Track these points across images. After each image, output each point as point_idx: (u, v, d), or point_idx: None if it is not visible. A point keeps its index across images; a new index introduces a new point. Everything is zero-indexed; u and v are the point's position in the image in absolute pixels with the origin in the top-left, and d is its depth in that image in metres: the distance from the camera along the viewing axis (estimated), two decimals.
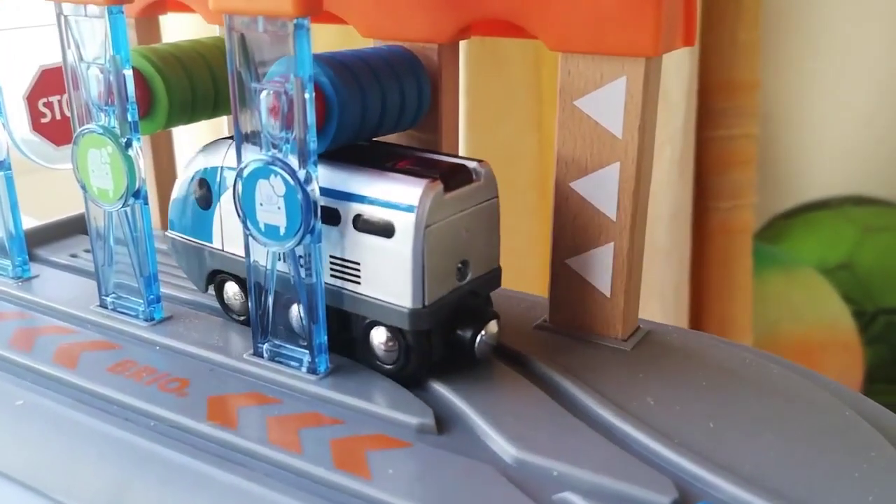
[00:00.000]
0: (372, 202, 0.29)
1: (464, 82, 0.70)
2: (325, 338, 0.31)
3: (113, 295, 0.36)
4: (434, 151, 0.32)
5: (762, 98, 1.10)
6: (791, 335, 1.02)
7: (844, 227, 1.22)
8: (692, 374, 0.31)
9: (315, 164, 0.28)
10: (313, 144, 0.28)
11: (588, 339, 0.34)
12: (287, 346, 0.31)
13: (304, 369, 0.31)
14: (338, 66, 0.30)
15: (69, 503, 0.27)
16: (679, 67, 0.74)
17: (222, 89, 0.36)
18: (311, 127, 0.28)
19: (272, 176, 0.29)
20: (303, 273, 0.30)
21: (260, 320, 0.31)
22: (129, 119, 0.32)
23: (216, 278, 0.35)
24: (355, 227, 0.29)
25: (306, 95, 0.27)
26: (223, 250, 0.33)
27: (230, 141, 0.32)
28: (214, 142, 0.33)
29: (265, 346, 0.32)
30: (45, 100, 0.39)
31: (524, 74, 0.70)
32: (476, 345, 0.30)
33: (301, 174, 0.28)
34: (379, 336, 0.30)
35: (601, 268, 0.33)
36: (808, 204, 1.25)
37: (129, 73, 0.31)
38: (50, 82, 0.39)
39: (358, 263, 0.30)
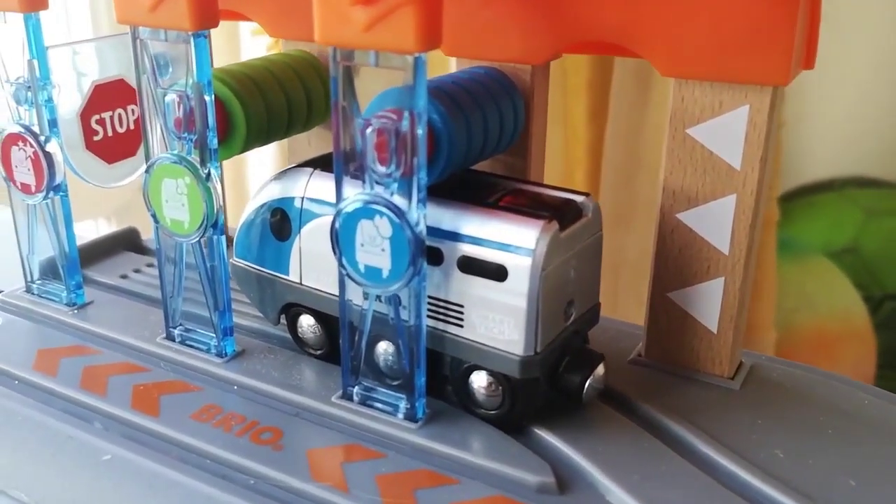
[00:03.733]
0: (481, 243, 0.27)
1: None
2: (424, 381, 0.29)
3: (181, 327, 0.34)
4: (530, 182, 0.30)
5: None
6: (807, 326, 1.01)
7: (848, 211, 1.20)
8: (813, 419, 0.29)
9: (424, 203, 0.26)
10: (423, 182, 0.26)
11: (690, 377, 0.32)
12: (379, 388, 0.30)
13: (400, 415, 0.29)
14: (443, 97, 0.28)
15: None
16: None
17: (294, 109, 0.34)
18: (421, 164, 0.26)
19: (377, 217, 0.26)
20: (404, 315, 0.28)
21: (351, 361, 0.30)
22: (210, 146, 0.30)
23: (290, 310, 0.33)
24: (460, 268, 0.27)
25: (419, 131, 0.25)
26: (301, 283, 0.31)
27: (311, 170, 0.31)
28: (290, 169, 0.31)
29: (356, 390, 0.30)
30: (97, 116, 0.37)
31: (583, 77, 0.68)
32: (584, 390, 0.28)
33: (411, 216, 0.26)
34: (480, 381, 0.29)
35: (708, 302, 0.31)
36: (810, 185, 1.24)
37: (211, 99, 0.29)
38: (102, 98, 0.37)
39: (462, 306, 0.28)
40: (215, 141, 0.30)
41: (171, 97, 0.29)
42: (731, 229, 0.30)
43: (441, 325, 0.28)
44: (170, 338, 0.34)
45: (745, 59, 0.27)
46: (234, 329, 0.34)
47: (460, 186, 0.29)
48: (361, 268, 0.27)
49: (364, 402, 0.30)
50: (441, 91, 0.28)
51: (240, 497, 0.26)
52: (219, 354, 0.33)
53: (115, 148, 0.38)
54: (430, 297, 0.28)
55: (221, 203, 0.31)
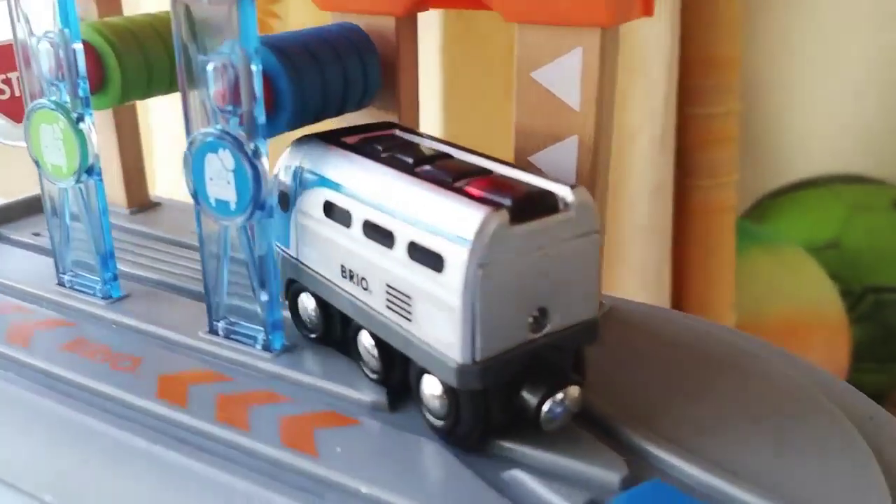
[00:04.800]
0: (425, 227, 0.24)
1: (440, 57, 0.69)
2: (280, 315, 0.31)
3: (70, 273, 0.35)
4: (522, 168, 0.26)
5: (749, 76, 1.10)
6: (776, 315, 1.02)
7: (832, 206, 1.22)
8: (647, 350, 0.31)
9: (264, 136, 0.28)
10: (262, 118, 0.28)
11: None
12: (242, 323, 0.31)
13: (258, 346, 0.31)
14: (281, 48, 0.29)
15: (15, 483, 0.27)
16: (659, 44, 0.73)
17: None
18: (258, 100, 0.27)
19: (221, 150, 0.28)
20: (253, 247, 0.29)
21: (212, 296, 0.31)
22: (81, 94, 0.31)
23: (291, 287, 0.31)
24: (409, 254, 0.25)
25: (253, 67, 0.27)
26: (297, 258, 0.30)
27: (315, 138, 0.30)
28: (301, 138, 0.30)
29: (220, 325, 0.31)
30: (2, 76, 0.39)
31: (504, 49, 0.70)
32: (542, 414, 0.24)
33: (250, 148, 0.28)
34: (430, 387, 0.26)
35: None
36: (796, 183, 1.25)
37: (79, 47, 0.31)
38: (5, 58, 0.38)
39: (410, 298, 0.25)
40: (87, 88, 0.32)
41: (45, 45, 0.31)
42: (576, 171, 0.31)
43: (395, 318, 0.26)
44: (61, 283, 0.36)
45: (573, 2, 0.29)
46: (135, 279, 0.36)
47: (446, 166, 0.26)
48: (212, 201, 0.29)
49: (228, 335, 0.31)
50: (278, 43, 0.29)
51: (92, 416, 0.28)
52: (104, 298, 0.34)
53: (21, 107, 0.39)
54: (386, 284, 0.26)
55: (96, 149, 0.32)
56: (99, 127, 0.41)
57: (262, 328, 0.30)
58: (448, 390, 0.25)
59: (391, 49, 0.34)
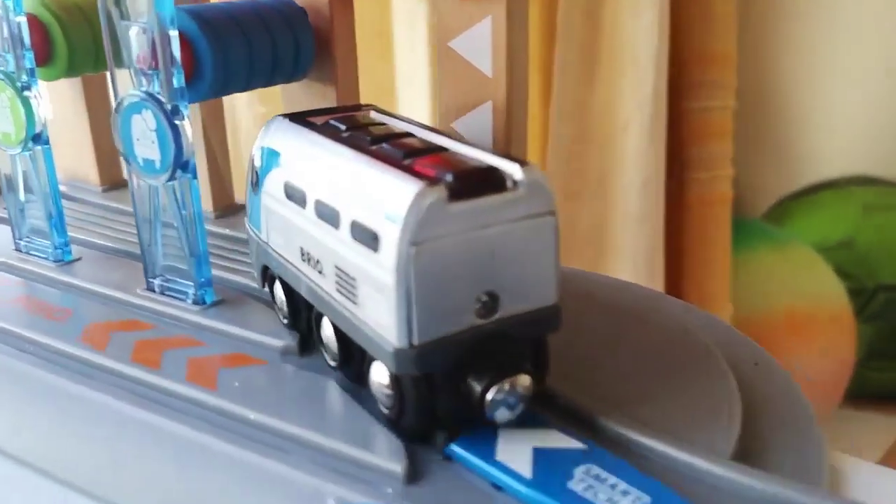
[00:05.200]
0: (366, 203, 0.23)
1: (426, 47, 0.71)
2: (209, 272, 0.32)
3: (27, 239, 0.37)
4: (477, 146, 0.25)
5: (771, 81, 1.11)
6: (781, 310, 1.02)
7: (847, 206, 1.21)
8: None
9: (186, 101, 0.30)
10: (180, 81, 0.29)
11: None
12: (177, 280, 0.33)
13: (189, 301, 0.32)
14: (205, 18, 0.31)
15: None
16: (648, 38, 0.74)
17: None
18: (177, 64, 0.29)
19: (144, 111, 0.30)
20: (181, 207, 0.31)
21: (147, 254, 0.33)
22: (27, 66, 0.33)
23: (267, 274, 0.31)
24: (352, 234, 0.24)
25: (170, 32, 0.29)
26: (267, 243, 0.29)
27: (280, 118, 0.29)
28: (274, 118, 0.30)
29: (156, 282, 0.33)
30: None
31: None
32: (487, 402, 0.23)
33: (170, 109, 0.29)
34: (378, 374, 0.25)
35: None
36: (815, 185, 1.25)
37: (22, 20, 0.33)
38: None
39: (354, 279, 0.24)
40: (33, 60, 0.34)
41: None
42: (492, 135, 0.33)
43: (344, 301, 0.25)
44: (18, 249, 0.38)
45: None
46: (87, 245, 0.38)
47: (398, 145, 0.25)
48: (140, 160, 0.31)
49: (163, 292, 0.33)
50: (204, 12, 0.31)
51: (15, 359, 0.30)
52: (56, 260, 0.36)
53: None
54: (336, 266, 0.25)
55: (43, 117, 0.34)
56: (73, 104, 0.43)
57: (192, 284, 0.32)
58: (393, 377, 0.24)
59: (325, 23, 0.35)
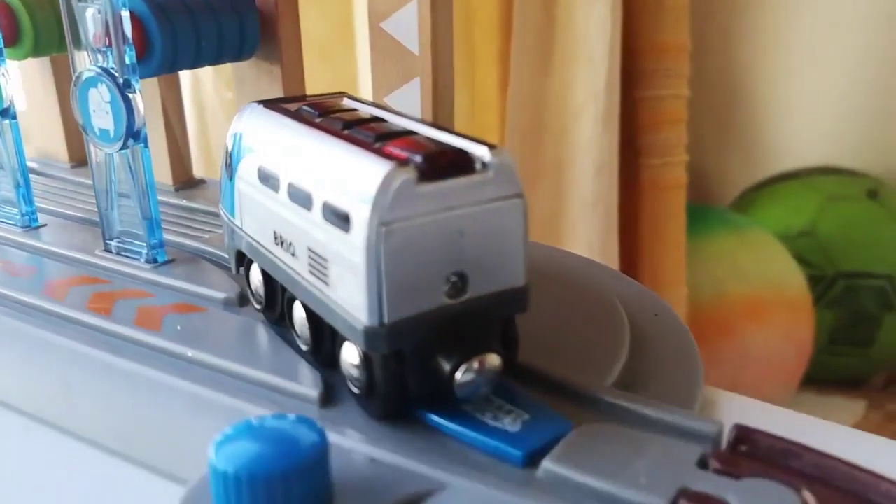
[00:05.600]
0: (338, 185, 0.24)
1: None
2: (161, 234, 0.35)
3: None
4: (445, 129, 0.26)
5: (738, 76, 1.15)
6: (738, 292, 1.06)
7: (809, 196, 1.25)
8: None
9: (137, 76, 0.33)
10: (132, 57, 0.32)
11: None
12: (133, 241, 0.36)
13: (143, 260, 0.35)
14: (150, 0, 0.34)
15: None
16: (601, 29, 0.78)
17: None
18: (128, 41, 0.32)
19: (100, 84, 0.33)
20: (135, 175, 0.34)
21: (104, 218, 0.36)
22: None
23: (244, 260, 0.31)
24: (323, 215, 0.24)
25: (123, 13, 0.32)
26: (241, 227, 0.30)
27: (254, 105, 0.30)
28: (247, 105, 0.30)
29: (113, 243, 0.36)
30: None
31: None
32: (456, 380, 0.24)
33: (122, 82, 0.33)
34: (349, 354, 0.25)
35: None
36: (778, 176, 1.28)
37: None
38: None
39: (326, 260, 0.25)
40: (1, 41, 0.37)
41: None
42: (420, 110, 0.36)
43: (317, 283, 0.26)
44: None
45: None
46: (52, 214, 0.41)
47: (370, 129, 0.26)
48: (97, 130, 0.34)
49: (119, 252, 0.36)
50: None
51: None
52: (23, 226, 0.39)
53: None
54: (308, 248, 0.26)
55: (10, 95, 0.37)
56: (44, 87, 0.46)
57: (145, 245, 0.35)
58: (364, 357, 0.24)
59: (270, 5, 0.38)
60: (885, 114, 1.22)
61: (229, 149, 0.30)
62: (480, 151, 0.24)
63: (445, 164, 0.23)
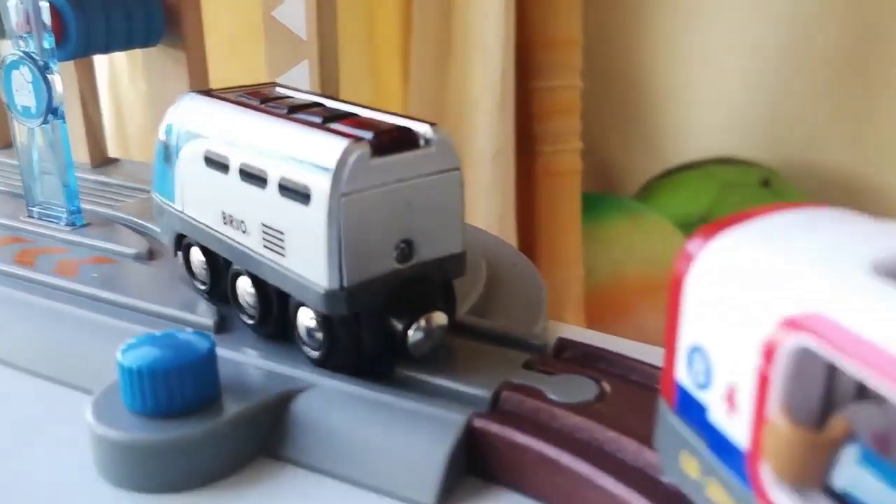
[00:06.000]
0: (294, 162, 0.26)
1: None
2: (79, 202, 0.40)
3: None
4: (381, 110, 0.28)
5: (640, 71, 1.22)
6: (634, 273, 1.13)
7: (707, 185, 1.33)
8: None
9: (56, 59, 0.37)
10: (51, 42, 0.37)
11: None
12: (54, 208, 0.40)
13: (63, 223, 0.40)
14: None
15: None
16: (495, 23, 0.83)
17: None
18: (48, 28, 0.37)
19: (22, 67, 0.37)
20: (55, 148, 0.38)
21: (29, 188, 0.40)
22: None
23: (182, 243, 0.33)
24: (280, 191, 0.26)
25: (42, 3, 0.36)
26: (183, 212, 0.32)
27: (193, 94, 0.32)
28: (184, 95, 0.32)
29: (35, 209, 0.40)
30: None
31: (357, 25, 0.79)
32: (409, 338, 0.27)
33: (42, 64, 0.37)
34: (304, 318, 0.28)
35: None
36: (679, 166, 1.36)
37: None
38: None
39: (282, 233, 0.27)
40: None
41: None
42: (309, 88, 0.41)
43: (271, 255, 0.28)
44: None
45: None
46: None
47: (314, 112, 0.28)
48: (20, 108, 0.38)
49: (41, 217, 0.40)
50: None
51: None
52: None
53: None
54: (262, 223, 0.28)
55: None
56: None
57: (65, 210, 0.40)
58: (322, 320, 0.27)
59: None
60: (777, 108, 1.30)
61: (167, 137, 0.31)
62: (423, 129, 0.26)
63: (394, 140, 0.26)
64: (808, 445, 0.16)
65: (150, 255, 0.37)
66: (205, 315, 0.31)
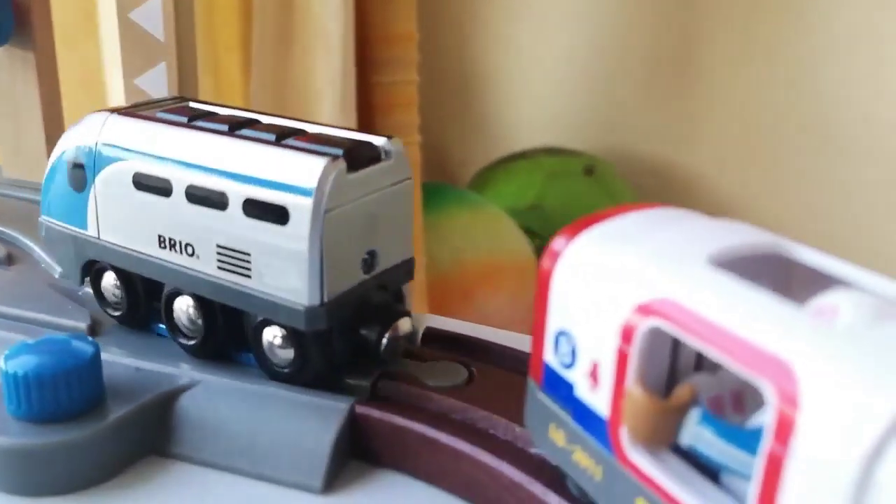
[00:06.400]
0: (263, 183, 0.26)
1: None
2: None
3: None
4: (331, 126, 0.28)
5: (472, 66, 1.25)
6: (472, 261, 1.17)
7: (535, 174, 1.38)
8: None
9: None
10: None
11: None
12: None
13: None
14: None
15: None
16: (335, 18, 0.85)
17: None
18: None
19: None
20: None
21: None
22: None
23: (93, 269, 0.31)
24: (245, 212, 0.26)
25: None
26: (99, 238, 0.30)
27: (107, 114, 0.30)
28: (88, 116, 0.31)
29: None
30: None
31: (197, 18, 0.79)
32: (382, 346, 0.27)
33: None
34: (271, 336, 0.27)
35: None
36: (509, 156, 1.41)
37: None
38: None
39: (248, 254, 0.26)
40: None
41: None
42: (167, 88, 0.41)
43: (230, 277, 0.27)
44: None
45: None
46: None
47: (259, 130, 0.28)
48: None
49: None
50: None
51: None
52: None
53: None
54: (218, 245, 0.27)
55: None
56: None
57: None
58: (292, 336, 0.27)
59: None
60: (598, 100, 1.37)
61: (80, 161, 0.30)
62: (381, 142, 0.27)
63: (363, 155, 0.26)
64: (659, 411, 0.19)
65: (10, 260, 0.37)
66: (77, 319, 0.32)
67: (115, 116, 0.30)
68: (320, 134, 0.28)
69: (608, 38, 1.26)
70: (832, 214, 1.05)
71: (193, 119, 0.29)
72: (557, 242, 0.22)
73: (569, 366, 0.21)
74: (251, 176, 0.26)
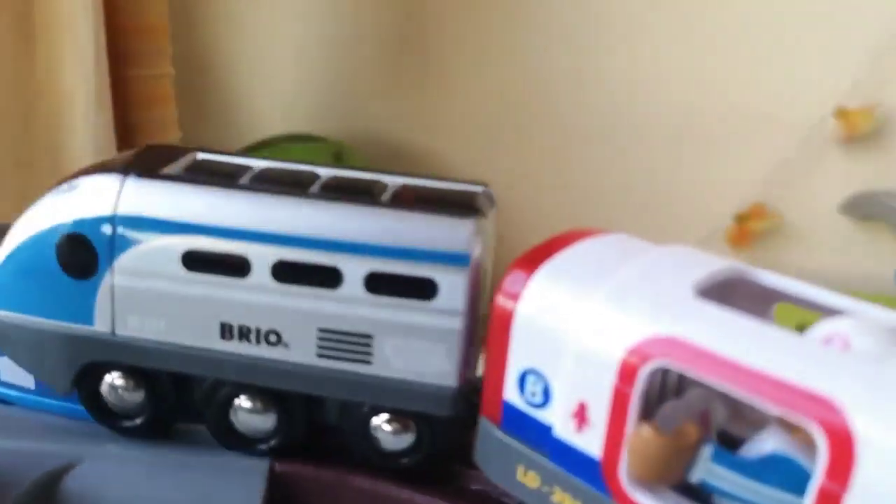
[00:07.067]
0: (394, 253, 0.22)
1: None
2: None
3: None
4: (408, 174, 0.25)
5: (211, 54, 1.20)
6: None
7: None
8: None
9: None
10: None
11: None
12: None
13: None
14: None
15: None
16: (82, 9, 0.78)
17: None
18: None
19: None
20: None
21: None
22: None
23: (92, 373, 0.25)
24: (368, 288, 0.22)
25: None
26: (114, 335, 0.24)
27: (121, 177, 0.24)
28: (83, 179, 0.25)
29: None
30: None
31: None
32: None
33: None
34: (388, 424, 0.24)
35: None
36: (256, 144, 1.37)
37: None
38: None
39: (369, 336, 0.23)
40: None
41: None
42: None
43: (338, 366, 0.23)
44: None
45: None
46: None
47: (339, 186, 0.24)
48: None
49: None
50: None
51: None
52: None
53: None
54: (321, 329, 0.23)
55: None
56: None
57: None
58: (419, 421, 0.23)
59: None
60: (340, 86, 1.37)
61: (76, 238, 0.24)
62: (480, 189, 0.25)
63: (483, 206, 0.24)
64: (672, 449, 0.19)
65: None
66: None
67: (136, 181, 0.24)
68: (420, 187, 0.25)
69: (342, 22, 1.26)
70: (565, 191, 1.10)
71: (234, 177, 0.24)
72: (513, 282, 0.21)
73: (540, 405, 0.21)
74: (374, 245, 0.22)
